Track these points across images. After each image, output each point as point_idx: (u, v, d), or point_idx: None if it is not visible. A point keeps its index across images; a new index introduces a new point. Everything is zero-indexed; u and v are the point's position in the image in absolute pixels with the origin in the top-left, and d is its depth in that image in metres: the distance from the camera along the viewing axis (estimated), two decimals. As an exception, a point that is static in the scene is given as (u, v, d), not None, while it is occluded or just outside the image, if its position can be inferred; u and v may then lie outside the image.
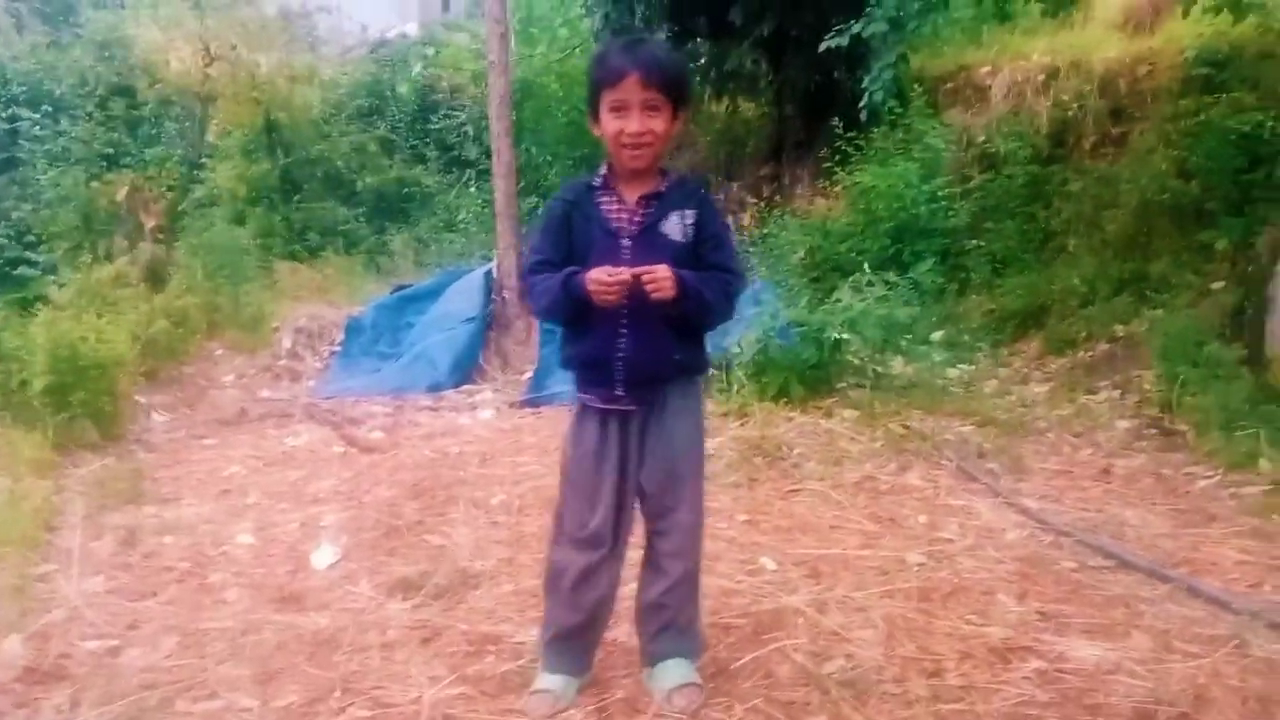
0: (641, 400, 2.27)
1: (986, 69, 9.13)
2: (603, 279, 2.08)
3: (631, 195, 2.23)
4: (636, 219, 2.22)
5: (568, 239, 2.23)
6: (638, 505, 2.38)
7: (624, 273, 2.09)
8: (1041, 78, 8.56)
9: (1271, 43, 6.88)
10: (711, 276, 2.19)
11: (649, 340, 2.21)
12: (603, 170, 2.27)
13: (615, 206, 2.23)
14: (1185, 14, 6.41)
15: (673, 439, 2.31)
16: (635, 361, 2.22)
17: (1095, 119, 8.03)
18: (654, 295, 2.08)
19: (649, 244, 2.19)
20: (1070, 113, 8.13)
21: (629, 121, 2.13)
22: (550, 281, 2.18)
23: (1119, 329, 6.05)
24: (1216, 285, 5.88)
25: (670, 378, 2.29)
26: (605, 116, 2.17)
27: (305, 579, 3.36)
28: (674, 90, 2.17)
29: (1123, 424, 4.89)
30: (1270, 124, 6.31)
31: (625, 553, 2.41)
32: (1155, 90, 7.78)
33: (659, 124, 2.15)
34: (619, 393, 2.25)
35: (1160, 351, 5.19)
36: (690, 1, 9.75)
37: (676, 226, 2.21)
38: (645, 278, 2.08)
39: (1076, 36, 8.89)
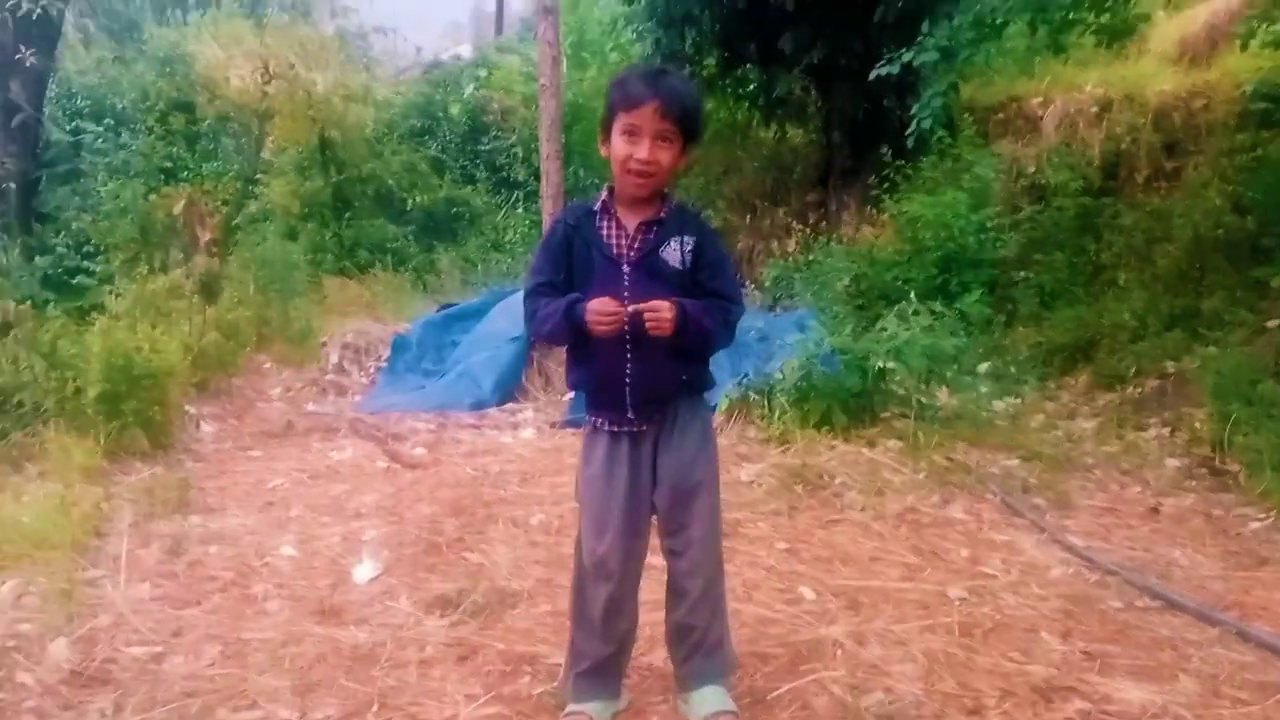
0: (651, 420, 2.30)
1: (1038, 100, 9.07)
2: (604, 311, 2.11)
3: (631, 221, 2.26)
4: (636, 245, 2.25)
5: (568, 261, 2.25)
6: (655, 527, 2.38)
7: (623, 309, 2.13)
8: (1094, 109, 8.49)
9: (1332, 78, 6.77)
10: (712, 305, 2.22)
11: (654, 364, 2.23)
12: (603, 195, 2.29)
13: (615, 232, 2.26)
14: (1243, 48, 6.33)
15: (682, 454, 2.32)
16: (643, 384, 2.25)
17: (1148, 152, 7.94)
18: (652, 332, 2.11)
19: (648, 270, 2.23)
20: (1123, 145, 8.05)
21: (640, 148, 2.15)
22: (551, 308, 2.20)
23: (1170, 365, 5.94)
24: (1272, 323, 5.77)
25: (678, 396, 2.33)
26: (617, 139, 2.18)
27: (346, 593, 3.39)
28: (689, 124, 2.19)
29: (1172, 462, 4.81)
30: (1330, 160, 6.20)
31: (639, 579, 2.41)
32: (1210, 124, 7.68)
33: (667, 156, 2.17)
34: (629, 415, 2.28)
35: (1212, 389, 5.10)
36: (741, 28, 9.80)
37: (675, 253, 2.24)
38: (647, 315, 2.10)
39: (1130, 69, 8.81)
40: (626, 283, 2.21)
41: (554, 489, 4.53)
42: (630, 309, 2.11)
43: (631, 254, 2.24)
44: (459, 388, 6.76)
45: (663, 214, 2.26)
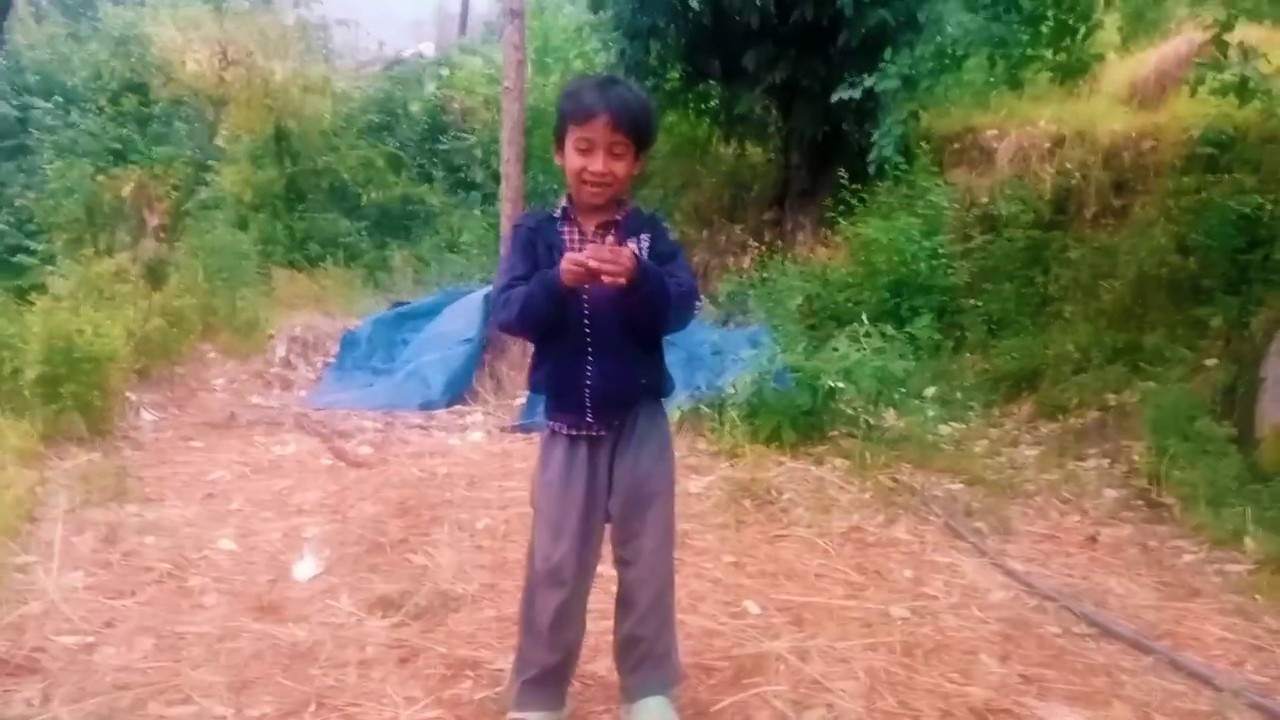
0: (609, 425, 2.31)
1: (993, 132, 9.23)
2: (575, 258, 2.07)
3: (589, 224, 2.29)
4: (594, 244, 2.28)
5: (534, 262, 2.26)
6: (608, 535, 2.38)
7: (592, 250, 2.08)
8: (1047, 145, 8.66)
9: (1275, 128, 6.98)
10: (667, 276, 2.19)
11: (614, 365, 2.26)
12: (563, 202, 2.32)
13: (575, 235, 2.28)
14: (1192, 93, 6.49)
15: (639, 463, 2.33)
16: (602, 387, 2.26)
17: (1098, 189, 8.11)
18: (608, 280, 2.04)
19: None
20: (1073, 181, 8.22)
21: (593, 160, 2.18)
22: (524, 287, 2.19)
23: (1111, 398, 6.08)
24: (1210, 361, 5.92)
25: (637, 401, 2.33)
26: (570, 151, 2.21)
27: (285, 589, 3.34)
28: (640, 135, 2.22)
29: (1110, 493, 4.91)
30: (1270, 207, 6.39)
31: (590, 588, 2.39)
32: (1158, 165, 7.87)
33: (621, 167, 2.21)
34: (588, 419, 2.29)
35: (1151, 423, 5.22)
36: (705, 44, 9.85)
37: (632, 247, 2.26)
38: (606, 258, 2.04)
39: (1083, 106, 9.00)
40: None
41: (501, 493, 4.50)
42: (590, 250, 2.07)
43: None
44: (408, 387, 6.70)
45: (618, 216, 2.29)
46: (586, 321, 2.23)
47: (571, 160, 2.21)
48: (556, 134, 2.27)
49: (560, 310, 2.16)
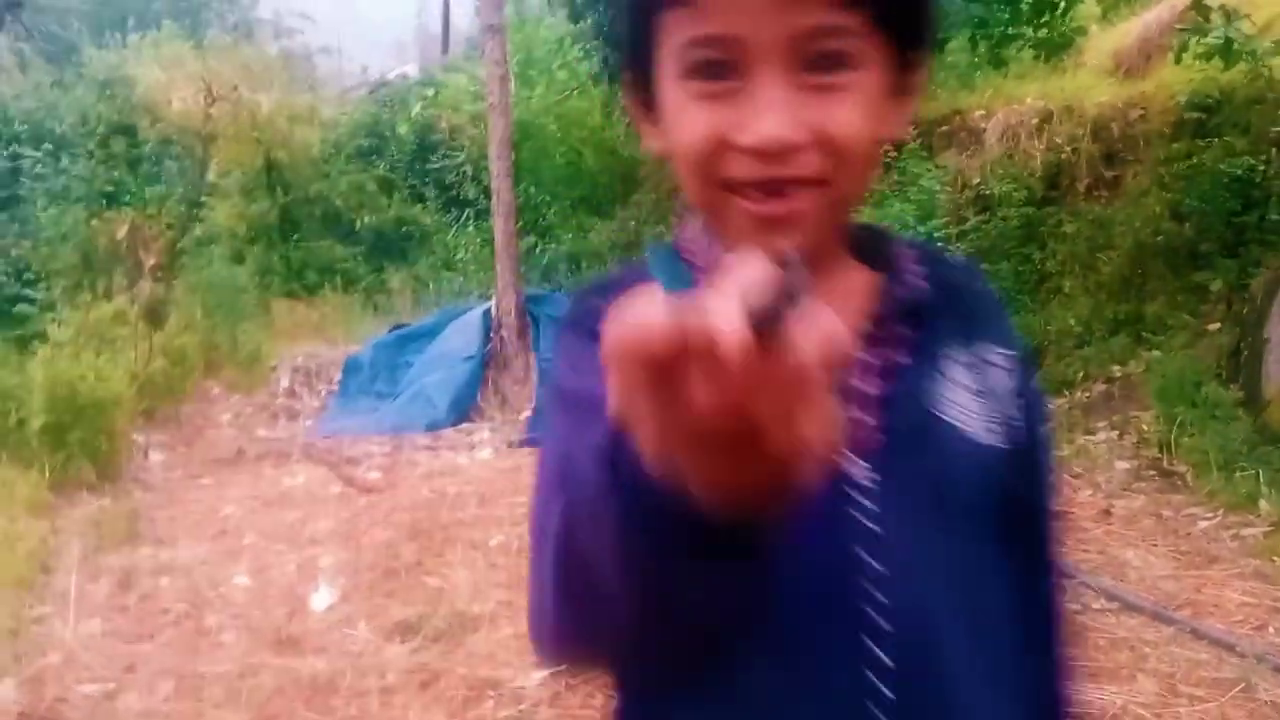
0: None
1: (981, 113, 9.21)
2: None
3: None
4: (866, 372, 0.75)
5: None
6: None
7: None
8: (1035, 121, 8.64)
9: (1261, 88, 6.96)
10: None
11: None
12: (685, 241, 0.84)
13: None
14: (1177, 60, 6.47)
15: None
16: None
17: (1088, 162, 8.10)
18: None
19: (915, 450, 0.74)
20: (1064, 155, 8.20)
21: (752, 106, 0.70)
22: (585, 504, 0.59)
23: (1116, 370, 6.07)
24: (1212, 326, 5.91)
25: None
26: (675, 93, 0.74)
27: (303, 621, 3.34)
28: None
29: (1122, 465, 4.90)
30: (1262, 168, 6.37)
31: None
32: (1148, 134, 7.86)
33: (847, 108, 0.71)
34: None
35: (1158, 392, 5.21)
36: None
37: (970, 396, 0.79)
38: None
39: (1069, 81, 8.99)
40: (869, 506, 0.71)
41: (513, 509, 4.50)
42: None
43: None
44: (413, 409, 6.70)
45: (895, 284, 0.80)
46: (876, 624, 0.70)
47: (685, 119, 0.73)
48: (627, 61, 0.79)
49: (730, 580, 0.54)
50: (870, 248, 0.84)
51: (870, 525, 0.71)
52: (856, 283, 0.81)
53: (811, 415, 0.40)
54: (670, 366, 0.39)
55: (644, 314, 0.38)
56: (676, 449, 0.42)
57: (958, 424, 0.76)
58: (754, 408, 0.39)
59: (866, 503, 0.71)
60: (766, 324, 0.37)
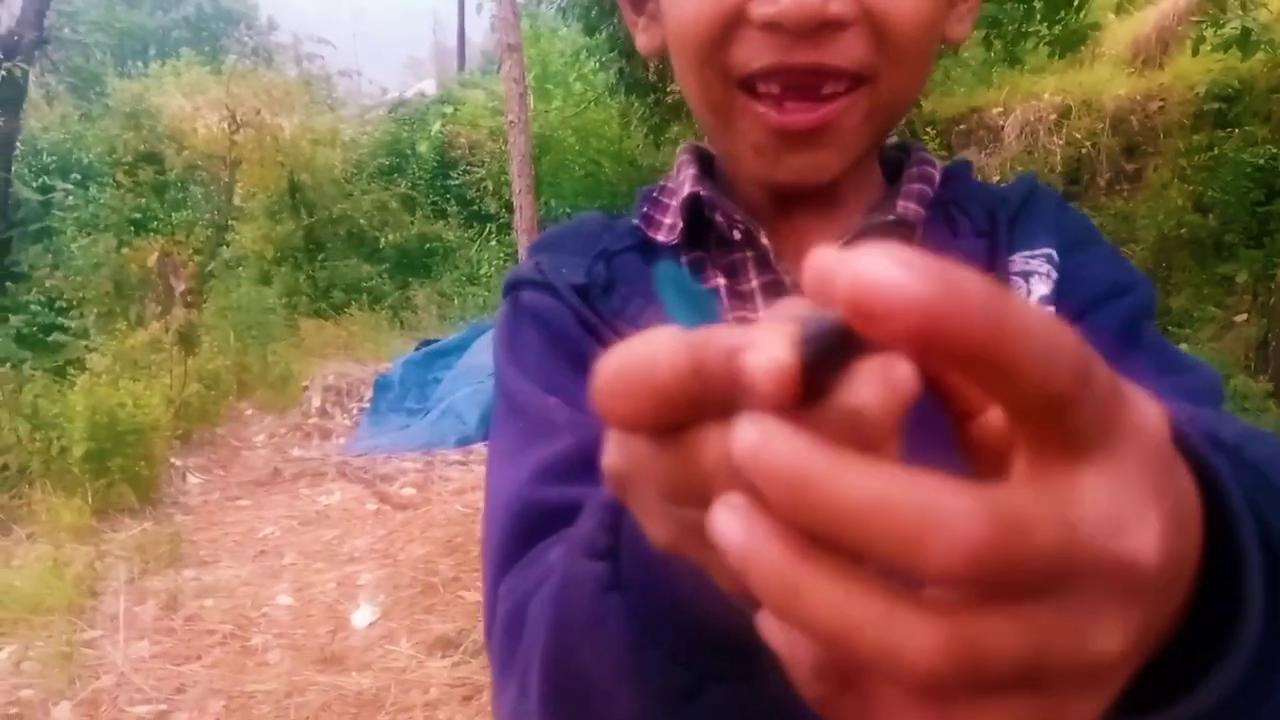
0: None
1: (998, 109, 9.22)
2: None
3: (791, 239, 0.68)
4: None
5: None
6: None
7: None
8: (1053, 117, 8.64)
9: (1281, 76, 6.95)
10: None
11: None
12: (672, 188, 0.72)
13: (748, 281, 0.68)
14: (1195, 52, 6.47)
15: None
16: None
17: (1109, 156, 8.09)
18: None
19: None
20: (1083, 151, 8.20)
21: None
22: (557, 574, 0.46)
23: (1143, 364, 6.06)
24: (1239, 318, 5.90)
25: None
26: None
27: (346, 639, 3.41)
28: None
29: (1152, 460, 4.90)
30: (1285, 156, 6.37)
31: None
32: (1167, 126, 7.84)
33: None
34: None
35: (1186, 386, 5.20)
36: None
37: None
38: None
39: (1086, 74, 8.98)
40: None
41: (546, 522, 4.56)
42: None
43: None
44: (444, 425, 6.77)
45: (905, 208, 0.67)
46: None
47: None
48: None
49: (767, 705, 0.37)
50: (894, 168, 0.71)
51: None
52: (868, 196, 0.69)
53: None
54: (682, 411, 0.26)
55: (648, 344, 0.27)
56: (692, 528, 0.28)
57: None
58: None
59: None
60: (820, 363, 0.25)
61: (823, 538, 0.23)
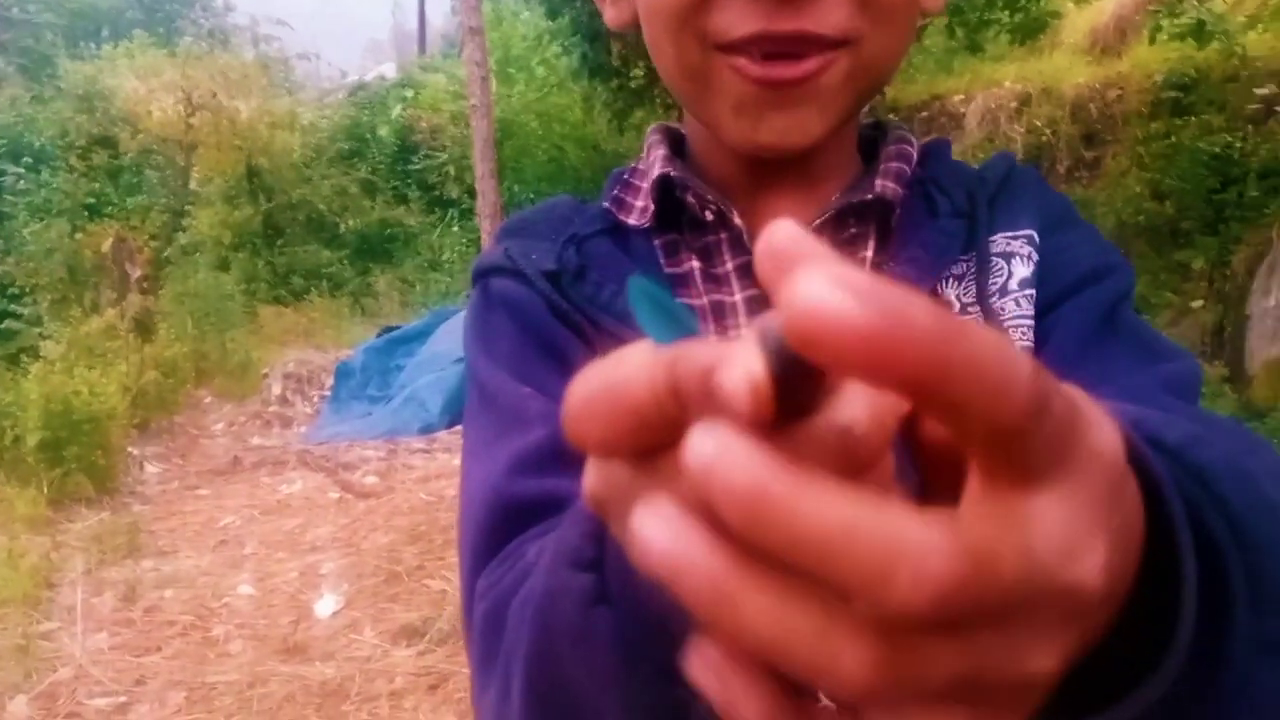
0: None
1: (960, 97, 9.28)
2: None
3: (762, 213, 0.66)
4: None
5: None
6: None
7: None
8: (1014, 104, 8.72)
9: (1235, 66, 7.04)
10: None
11: None
12: (651, 165, 0.69)
13: (721, 262, 0.66)
14: (1151, 40, 6.56)
15: None
16: None
17: (1068, 143, 8.17)
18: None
19: None
20: (1044, 138, 8.28)
21: None
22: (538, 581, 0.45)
23: (1101, 349, 6.15)
24: (1196, 304, 5.99)
25: None
26: None
27: (309, 628, 3.38)
28: None
29: (1110, 444, 4.97)
30: (1239, 144, 6.46)
31: None
32: (1126, 114, 7.93)
33: None
34: None
35: (1143, 371, 5.28)
36: (666, 39, 9.88)
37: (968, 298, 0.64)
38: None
39: (1046, 63, 9.07)
40: None
41: (511, 509, 4.55)
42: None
43: None
44: (406, 412, 6.72)
45: (890, 179, 0.66)
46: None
47: None
48: None
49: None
50: (870, 148, 0.70)
51: None
52: (845, 178, 0.68)
53: None
54: (660, 434, 0.25)
55: (621, 364, 0.26)
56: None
57: None
58: None
59: None
60: (796, 376, 0.23)
61: (773, 558, 0.22)
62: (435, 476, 5.34)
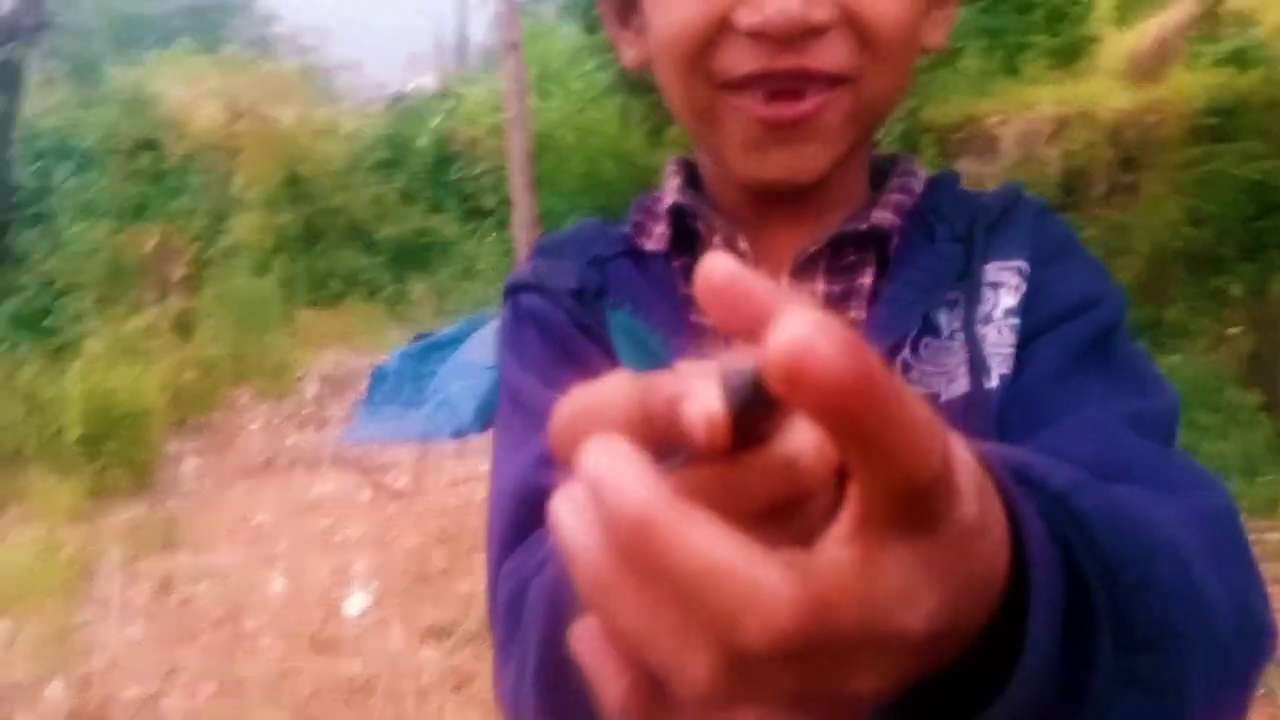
0: None
1: (996, 119, 9.24)
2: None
3: (785, 252, 0.70)
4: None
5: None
6: None
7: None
8: (1051, 128, 8.68)
9: (1277, 93, 6.99)
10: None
11: None
12: (659, 198, 0.76)
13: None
14: (1192, 67, 6.53)
15: None
16: None
17: (1105, 167, 8.13)
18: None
19: None
20: (1080, 162, 8.24)
21: None
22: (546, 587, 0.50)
23: (1135, 375, 6.09)
24: (1233, 330, 5.93)
25: None
26: None
27: (338, 625, 3.42)
28: None
29: (1142, 469, 4.92)
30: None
31: None
32: (1164, 139, 7.88)
33: None
34: None
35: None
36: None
37: (940, 344, 0.66)
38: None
39: (1083, 86, 9.02)
40: None
41: (539, 515, 4.58)
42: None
43: None
44: (439, 417, 6.79)
45: (888, 210, 0.70)
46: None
47: (677, 2, 0.62)
48: None
49: None
50: (883, 179, 0.73)
51: None
52: (847, 207, 0.71)
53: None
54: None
55: (600, 389, 0.29)
56: None
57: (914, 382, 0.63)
58: (725, 518, 0.25)
59: None
60: (748, 412, 0.26)
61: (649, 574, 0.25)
62: (466, 480, 5.39)
